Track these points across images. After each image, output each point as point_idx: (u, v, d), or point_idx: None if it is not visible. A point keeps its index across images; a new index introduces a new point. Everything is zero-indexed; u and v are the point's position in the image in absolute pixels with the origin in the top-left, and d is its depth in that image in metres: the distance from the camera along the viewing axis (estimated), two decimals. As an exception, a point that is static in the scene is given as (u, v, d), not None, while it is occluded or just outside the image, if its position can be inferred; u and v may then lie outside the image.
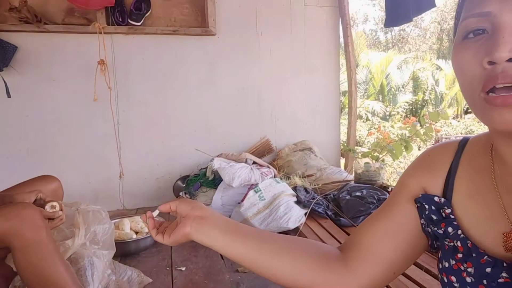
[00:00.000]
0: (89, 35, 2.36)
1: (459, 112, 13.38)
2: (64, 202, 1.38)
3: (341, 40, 2.98)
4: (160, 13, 2.56)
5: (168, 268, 1.61)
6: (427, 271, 1.39)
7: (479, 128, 10.18)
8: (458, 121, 11.43)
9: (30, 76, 2.36)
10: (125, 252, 1.71)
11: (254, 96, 2.78)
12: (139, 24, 2.44)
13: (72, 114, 2.45)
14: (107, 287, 1.30)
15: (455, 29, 0.50)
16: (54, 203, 1.23)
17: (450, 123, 10.39)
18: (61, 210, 1.24)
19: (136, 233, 1.83)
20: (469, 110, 12.96)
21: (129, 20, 2.42)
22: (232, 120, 2.75)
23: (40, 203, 1.25)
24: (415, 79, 13.45)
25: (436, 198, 0.56)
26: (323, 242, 1.76)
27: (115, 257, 1.44)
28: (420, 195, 0.58)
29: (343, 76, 5.31)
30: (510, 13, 0.41)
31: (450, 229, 0.53)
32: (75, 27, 2.35)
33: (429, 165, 0.60)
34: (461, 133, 9.93)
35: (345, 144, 2.98)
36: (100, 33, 2.32)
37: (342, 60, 3.68)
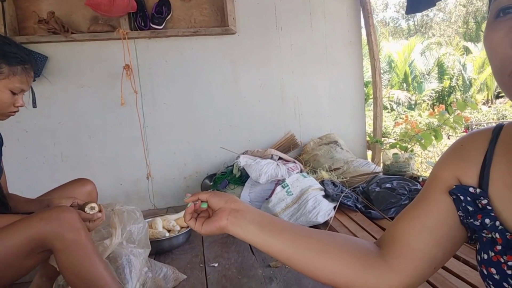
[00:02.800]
0: (114, 41, 2.43)
1: (489, 97, 12.85)
2: (100, 204, 1.43)
3: (363, 29, 2.93)
4: (180, 15, 2.60)
5: (201, 265, 1.64)
6: (465, 262, 1.35)
7: (512, 113, 9.72)
8: (489, 107, 10.97)
9: (61, 84, 2.45)
10: (159, 250, 1.75)
11: (276, 92, 2.78)
12: (161, 27, 2.49)
13: (101, 119, 2.54)
14: (144, 284, 1.35)
15: (489, 9, 0.48)
16: (93, 205, 1.27)
17: (480, 109, 10.00)
18: (100, 211, 1.29)
19: (169, 231, 1.87)
20: (501, 95, 12.41)
21: (151, 24, 2.47)
22: (256, 117, 2.76)
23: (76, 209, 1.29)
24: (440, 65, 13.00)
25: (471, 189, 0.54)
26: (354, 235, 1.74)
27: (149, 255, 1.48)
28: (454, 187, 0.56)
29: (365, 66, 5.21)
30: None
31: (487, 221, 0.51)
32: (100, 35, 2.42)
33: (462, 155, 0.58)
34: (493, 119, 9.53)
35: (371, 136, 2.93)
36: (124, 38, 2.38)
37: (364, 50, 3.61)
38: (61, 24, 2.34)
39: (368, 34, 2.87)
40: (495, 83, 12.44)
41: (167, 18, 2.53)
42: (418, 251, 0.57)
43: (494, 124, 0.58)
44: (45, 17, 2.32)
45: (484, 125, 8.33)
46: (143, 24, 2.47)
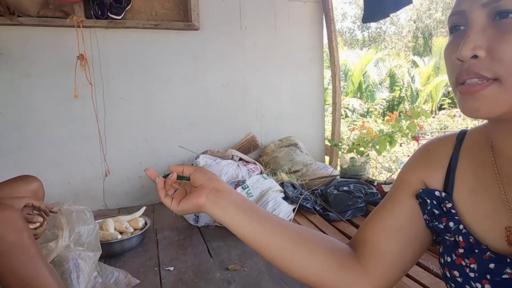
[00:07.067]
0: (67, 29, 2.26)
1: (433, 109, 13.77)
2: (46, 203, 1.31)
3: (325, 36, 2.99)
4: (140, 6, 2.48)
5: (156, 268, 1.56)
6: (417, 263, 1.41)
7: (452, 124, 10.51)
8: (433, 117, 11.76)
9: (3, 72, 2.23)
10: (109, 253, 1.64)
11: (238, 92, 2.75)
12: (119, 18, 2.36)
13: (50, 112, 2.35)
14: (93, 290, 1.25)
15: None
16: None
17: (426, 119, 10.67)
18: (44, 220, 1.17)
19: (121, 233, 1.77)
20: (443, 107, 13.36)
21: (108, 14, 2.33)
22: (217, 117, 2.71)
23: (28, 212, 1.16)
24: (392, 76, 13.74)
25: (437, 193, 0.55)
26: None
27: (100, 258, 1.38)
28: (421, 190, 0.57)
29: (325, 72, 5.35)
30: (477, 11, 0.44)
31: (451, 224, 0.52)
32: (51, 20, 2.24)
33: (428, 159, 0.59)
34: (436, 129, 10.21)
35: (330, 140, 2.99)
36: (79, 26, 2.22)
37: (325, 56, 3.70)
38: (6, 6, 2.14)
39: (330, 40, 2.93)
40: (439, 95, 13.39)
41: (127, 8, 2.40)
42: (389, 254, 0.58)
43: (440, 132, 0.61)
44: (-13, -4, 2.10)
45: (429, 134, 8.90)
46: (100, 13, 2.33)
